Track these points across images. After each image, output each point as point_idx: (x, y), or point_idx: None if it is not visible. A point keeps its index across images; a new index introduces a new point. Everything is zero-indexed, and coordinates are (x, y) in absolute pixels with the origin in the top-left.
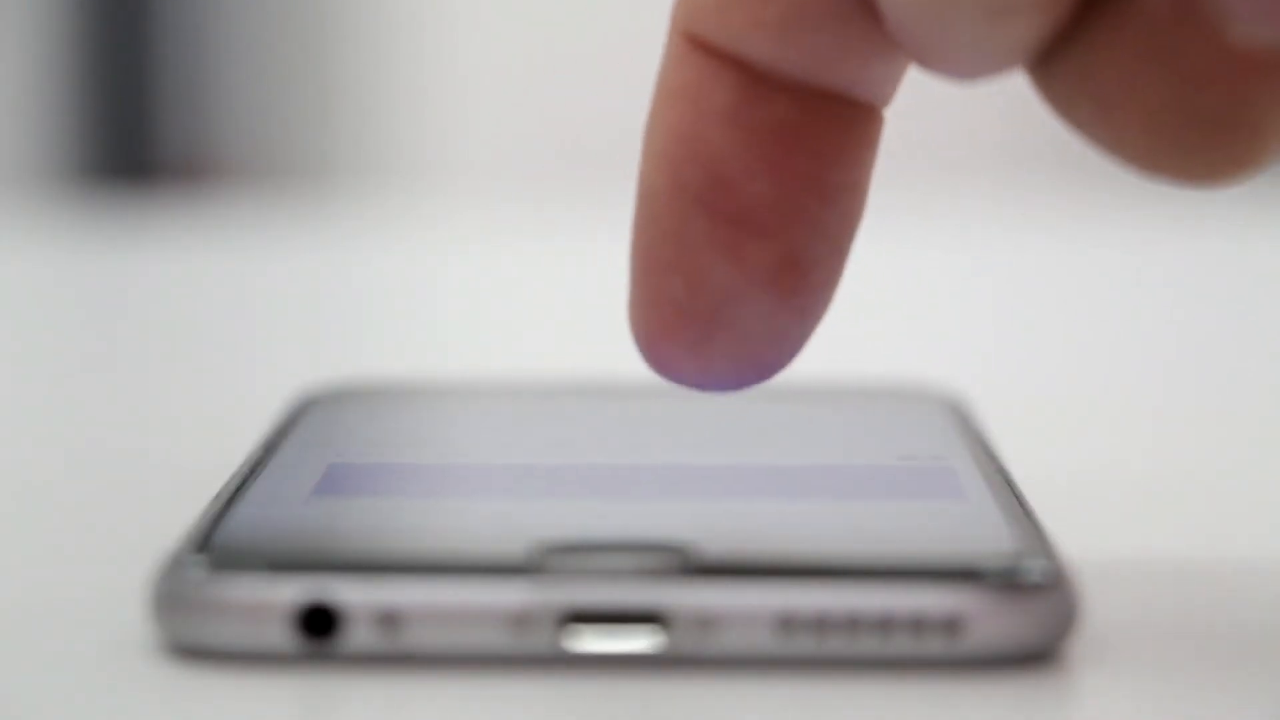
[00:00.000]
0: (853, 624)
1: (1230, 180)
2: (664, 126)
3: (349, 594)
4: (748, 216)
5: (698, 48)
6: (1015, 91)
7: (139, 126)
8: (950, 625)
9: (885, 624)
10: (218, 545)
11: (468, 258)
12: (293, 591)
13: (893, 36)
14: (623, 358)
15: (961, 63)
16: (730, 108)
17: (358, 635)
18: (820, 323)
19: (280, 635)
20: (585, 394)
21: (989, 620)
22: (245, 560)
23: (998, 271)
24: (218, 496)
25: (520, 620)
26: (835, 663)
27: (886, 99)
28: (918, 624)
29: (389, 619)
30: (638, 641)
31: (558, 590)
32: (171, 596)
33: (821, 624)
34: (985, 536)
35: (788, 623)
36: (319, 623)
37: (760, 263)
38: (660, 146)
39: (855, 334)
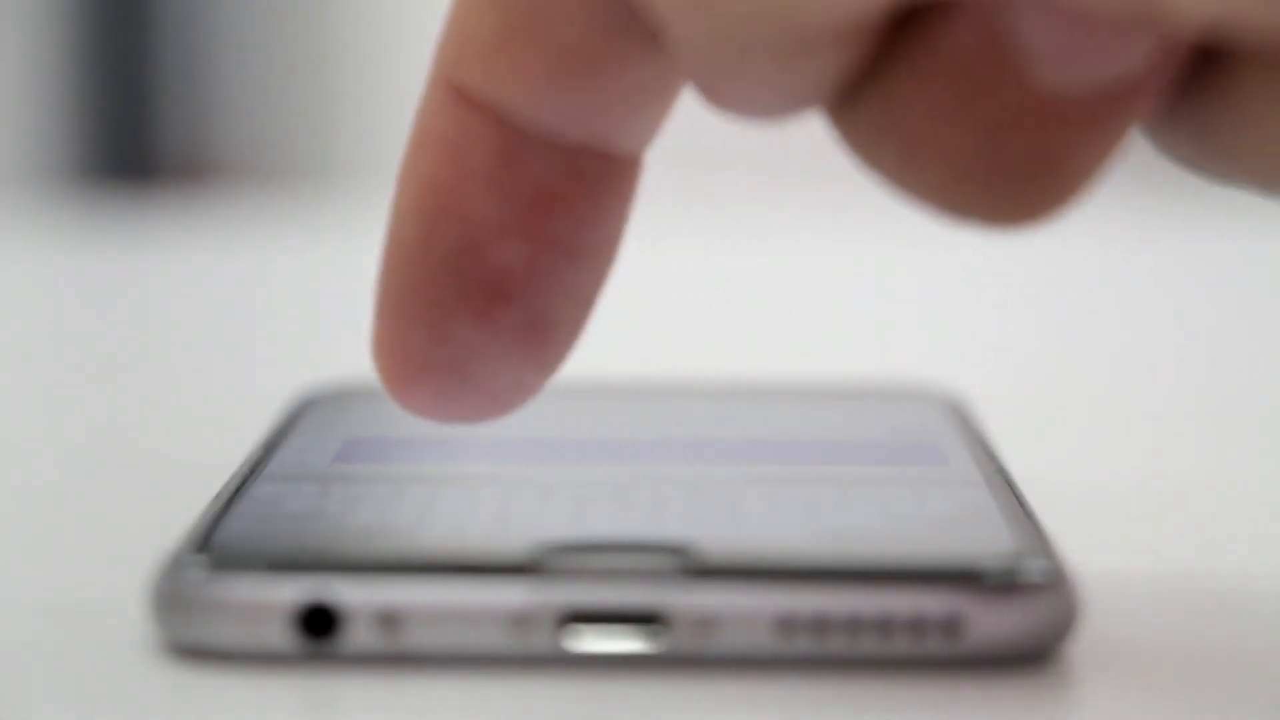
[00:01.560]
0: (853, 624)
1: (1036, 222)
2: (419, 177)
3: (349, 594)
4: (498, 281)
5: (459, 98)
6: None
7: (139, 126)
8: (950, 625)
9: (885, 624)
10: (218, 545)
11: None
12: (293, 591)
13: (681, 74)
14: (622, 358)
15: (755, 102)
16: (491, 167)
17: (358, 635)
18: (560, 367)
19: (280, 635)
20: (584, 394)
21: (989, 620)
22: (245, 560)
23: (998, 271)
24: (218, 496)
25: (520, 620)
26: (835, 663)
27: (645, 147)
28: (918, 624)
29: (389, 619)
30: (638, 641)
31: (558, 590)
32: (171, 596)
33: (821, 624)
34: (985, 536)
35: (788, 623)
36: (319, 623)
37: (506, 324)
38: (414, 196)
39: (855, 334)
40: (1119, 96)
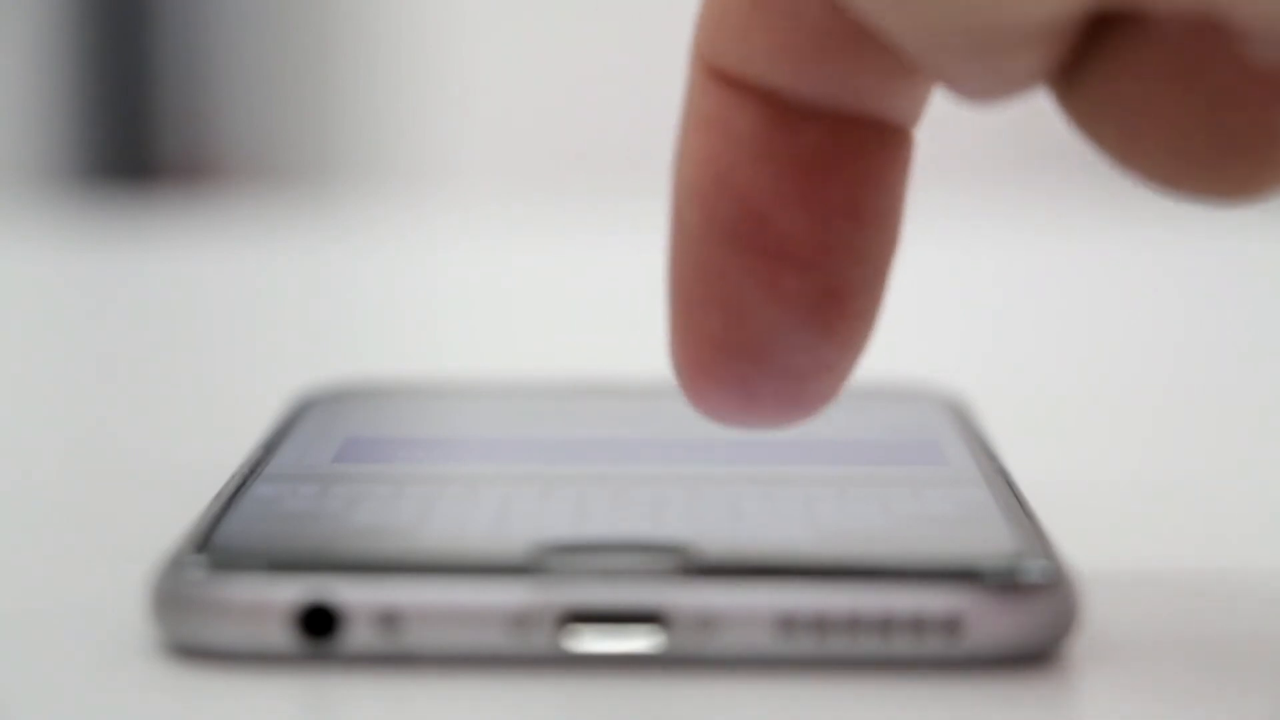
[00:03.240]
0: (853, 624)
1: (1255, 197)
2: (692, 159)
3: (349, 594)
4: (784, 249)
5: (720, 78)
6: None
7: (139, 126)
8: (950, 625)
9: (885, 624)
10: (218, 545)
11: (468, 258)
12: (293, 591)
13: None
14: (622, 357)
15: (975, 88)
16: (758, 139)
17: (358, 635)
18: (863, 352)
19: (280, 635)
20: (585, 394)
21: (989, 620)
22: (245, 560)
23: (998, 271)
24: (218, 496)
25: (520, 620)
26: (835, 663)
27: (914, 121)
28: (918, 624)
29: (389, 619)
30: (638, 641)
31: (558, 590)
32: (171, 596)
33: (821, 624)
34: (985, 536)
35: (788, 623)
36: (319, 623)
37: (799, 295)
38: (690, 180)
39: None
40: None
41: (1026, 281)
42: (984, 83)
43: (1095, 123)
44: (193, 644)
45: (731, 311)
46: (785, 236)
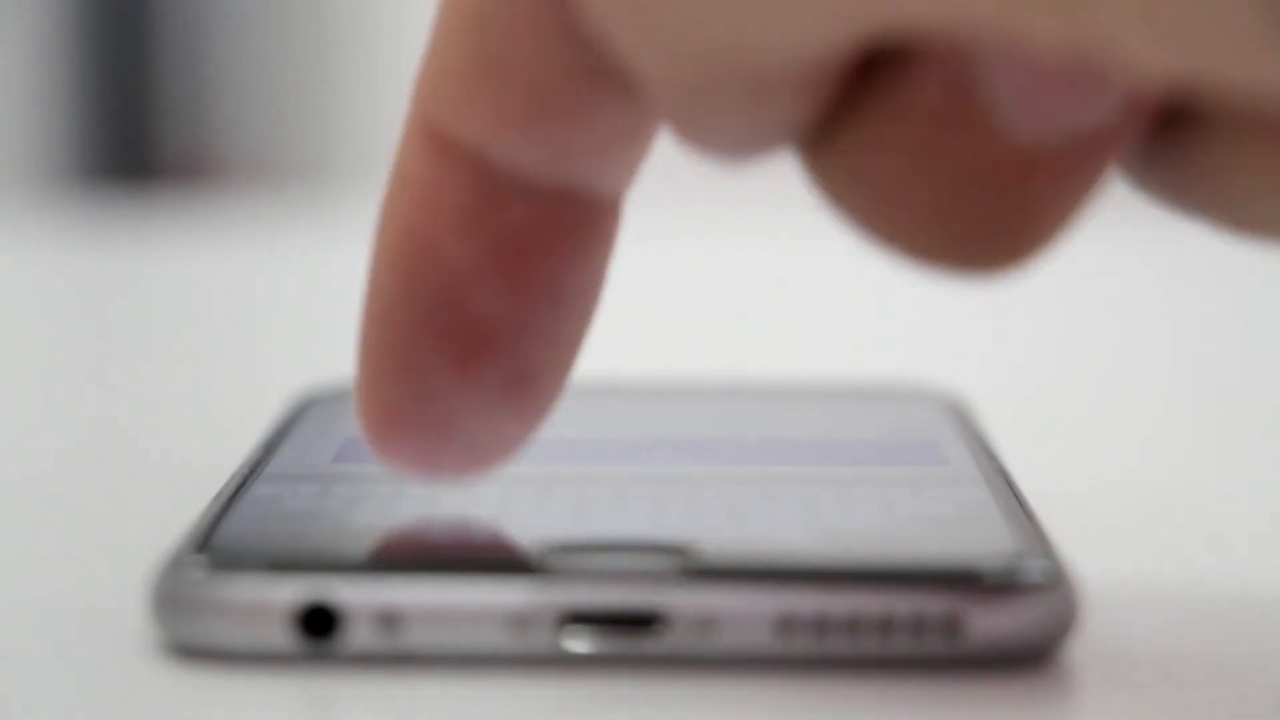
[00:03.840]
0: (853, 624)
1: (1009, 270)
2: (396, 225)
3: (349, 594)
4: (479, 331)
5: (434, 140)
6: None
7: (139, 126)
8: (950, 625)
9: (885, 624)
10: (218, 545)
11: None
12: (293, 591)
13: (653, 116)
14: (622, 358)
15: (724, 144)
16: (465, 211)
17: (358, 635)
18: (543, 423)
19: (280, 635)
20: (584, 394)
21: (989, 620)
22: (245, 560)
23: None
24: (218, 496)
25: (520, 620)
26: (835, 663)
27: (625, 190)
28: (918, 624)
29: (389, 619)
30: (638, 641)
31: (558, 590)
32: (171, 596)
33: (821, 624)
34: (985, 536)
35: (788, 623)
36: (319, 623)
37: (490, 377)
38: (391, 243)
39: (855, 334)
40: (1090, 146)
41: (1026, 282)
42: (729, 136)
43: (841, 190)
44: (193, 644)
45: (419, 384)
46: (481, 320)
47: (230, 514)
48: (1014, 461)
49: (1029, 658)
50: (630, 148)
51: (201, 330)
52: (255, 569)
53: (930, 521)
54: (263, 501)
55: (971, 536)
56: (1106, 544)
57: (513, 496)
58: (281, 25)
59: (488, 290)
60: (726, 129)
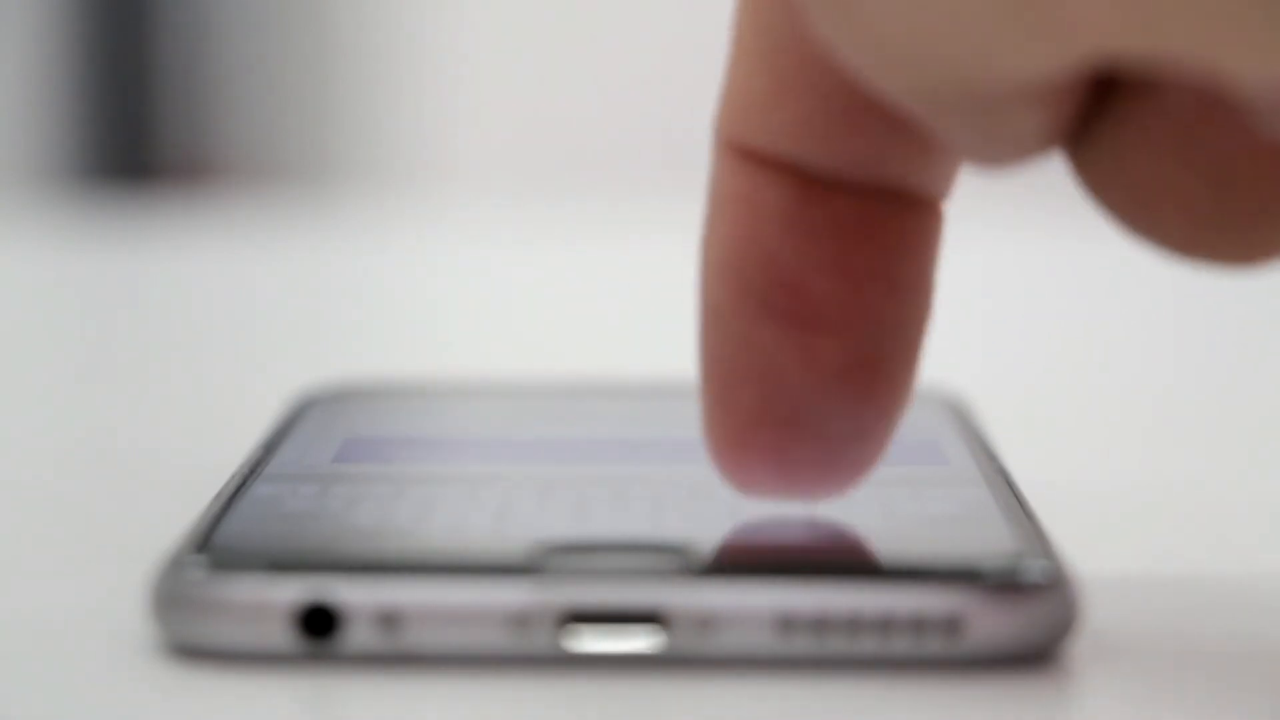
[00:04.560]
0: (853, 624)
1: (1266, 263)
2: (721, 236)
3: (349, 594)
4: (816, 316)
5: (746, 156)
6: None
7: (139, 126)
8: (950, 625)
9: (885, 624)
10: (218, 545)
11: (468, 258)
12: (293, 591)
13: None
14: (623, 357)
15: (982, 152)
16: (787, 211)
17: (358, 635)
18: (899, 420)
19: (280, 635)
20: (585, 394)
21: (989, 620)
22: (245, 560)
23: (998, 272)
24: (218, 496)
25: (520, 620)
26: (835, 663)
27: (943, 194)
28: (918, 624)
29: (389, 619)
30: (638, 641)
31: (558, 590)
32: (171, 596)
33: (821, 624)
34: (985, 536)
35: (788, 623)
36: (319, 623)
37: (834, 363)
38: (719, 257)
39: None
40: None
41: (1027, 282)
42: (989, 147)
43: (1106, 190)
44: (193, 644)
45: (768, 383)
46: (819, 304)
47: (230, 514)
48: (1014, 461)
49: (1029, 658)
50: (932, 154)
51: (201, 330)
52: (255, 569)
53: (930, 521)
54: (263, 501)
55: (972, 536)
56: (1106, 544)
57: (513, 496)
58: (281, 25)
59: (820, 277)
60: (978, 140)
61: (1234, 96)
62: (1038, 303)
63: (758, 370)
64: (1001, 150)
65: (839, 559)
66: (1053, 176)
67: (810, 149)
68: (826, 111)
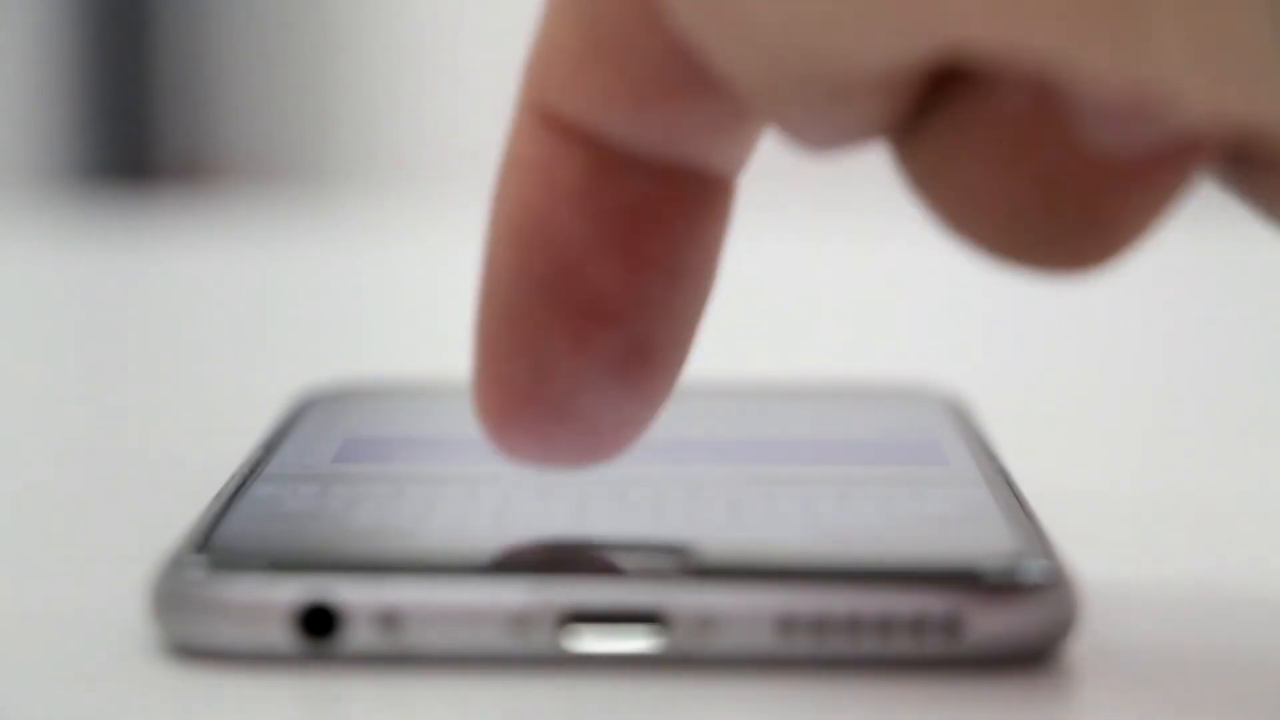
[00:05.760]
0: (853, 624)
1: (1088, 271)
2: (510, 204)
3: (349, 594)
4: (595, 304)
5: (547, 122)
6: None
7: (139, 126)
8: (950, 625)
9: (885, 624)
10: (218, 545)
11: (468, 258)
12: (293, 591)
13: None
14: None
15: (809, 136)
16: (581, 188)
17: (358, 635)
18: (664, 406)
19: (280, 635)
20: None
21: (989, 620)
22: (245, 560)
23: (998, 272)
24: (218, 496)
25: (520, 620)
26: (835, 663)
27: (738, 171)
28: (918, 624)
29: (389, 619)
30: (638, 641)
31: (558, 590)
32: (171, 596)
33: (821, 624)
34: (985, 536)
35: (788, 623)
36: (319, 623)
37: (608, 351)
38: (506, 225)
39: (855, 334)
40: (1171, 158)
41: (1027, 282)
42: (818, 132)
43: (926, 185)
44: (193, 644)
45: (537, 363)
46: (598, 291)
47: (230, 514)
48: (1014, 461)
49: (1029, 658)
50: (738, 130)
51: (201, 330)
52: (255, 569)
53: (930, 521)
54: (263, 501)
55: (971, 536)
56: (1106, 544)
57: (513, 496)
58: (281, 25)
59: (604, 263)
60: (810, 125)
61: (1072, 101)
62: (1038, 303)
63: (529, 349)
64: (829, 136)
65: (839, 559)
66: None
67: (613, 119)
68: (636, 80)
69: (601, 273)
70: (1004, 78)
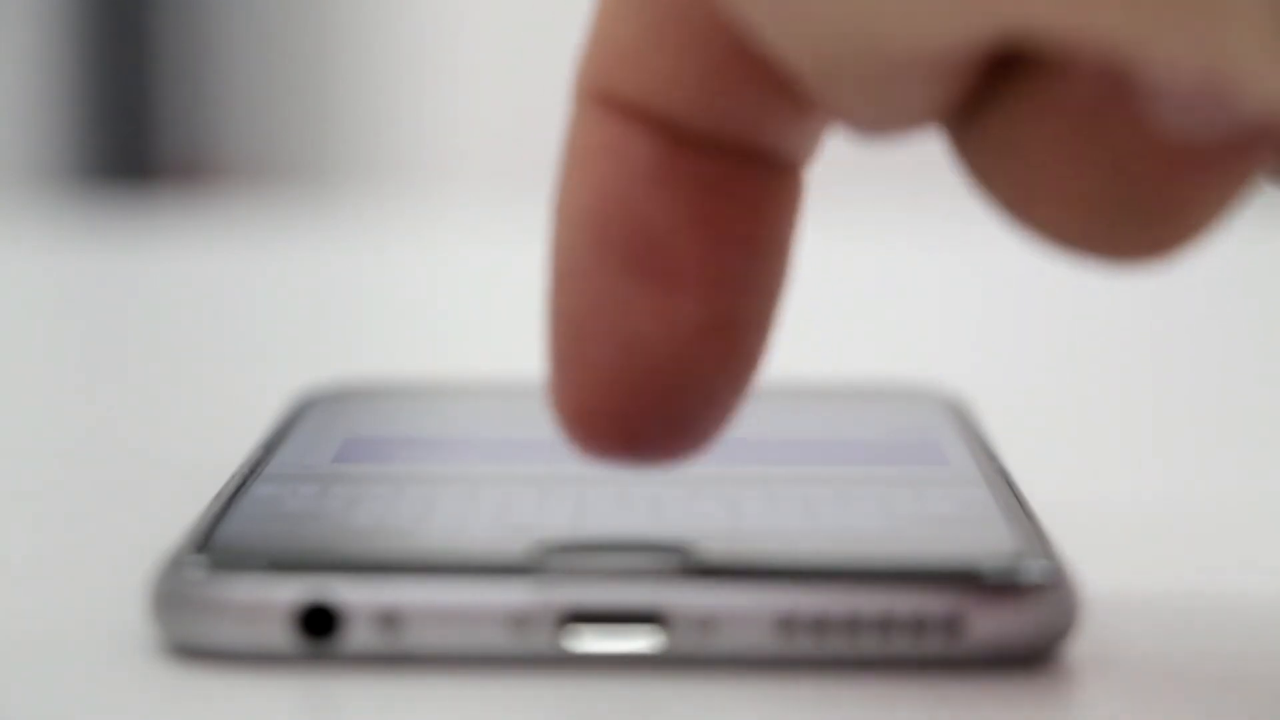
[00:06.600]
0: (853, 624)
1: (1155, 261)
2: (583, 190)
3: (349, 594)
4: (678, 274)
5: (611, 107)
6: None
7: (139, 126)
8: (950, 625)
9: (885, 624)
10: (218, 545)
11: (467, 258)
12: (293, 591)
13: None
14: None
15: (867, 121)
16: (652, 165)
17: (358, 635)
18: (748, 393)
19: (280, 635)
20: None
21: (989, 620)
22: (245, 560)
23: (999, 272)
24: (218, 496)
25: (520, 620)
26: (835, 663)
27: (806, 160)
28: (918, 624)
29: (389, 619)
30: (638, 641)
31: (558, 590)
32: (171, 596)
33: (821, 624)
34: (985, 536)
35: (788, 623)
36: (319, 623)
37: (691, 322)
38: (581, 211)
39: (855, 334)
40: (1243, 145)
41: (1027, 282)
42: (876, 116)
43: (989, 172)
44: (193, 644)
45: (623, 341)
46: (681, 261)
47: (230, 514)
48: (1014, 461)
49: (1029, 658)
50: (805, 119)
51: (201, 330)
52: (255, 569)
53: (930, 521)
54: (263, 501)
55: (971, 536)
56: (1107, 544)
57: (513, 496)
58: (281, 25)
59: (682, 235)
60: (866, 109)
61: (1144, 86)
62: (1038, 303)
63: (613, 327)
64: (886, 121)
65: (839, 559)
66: None
67: (680, 103)
68: (700, 67)
69: (682, 244)
70: (1071, 61)
